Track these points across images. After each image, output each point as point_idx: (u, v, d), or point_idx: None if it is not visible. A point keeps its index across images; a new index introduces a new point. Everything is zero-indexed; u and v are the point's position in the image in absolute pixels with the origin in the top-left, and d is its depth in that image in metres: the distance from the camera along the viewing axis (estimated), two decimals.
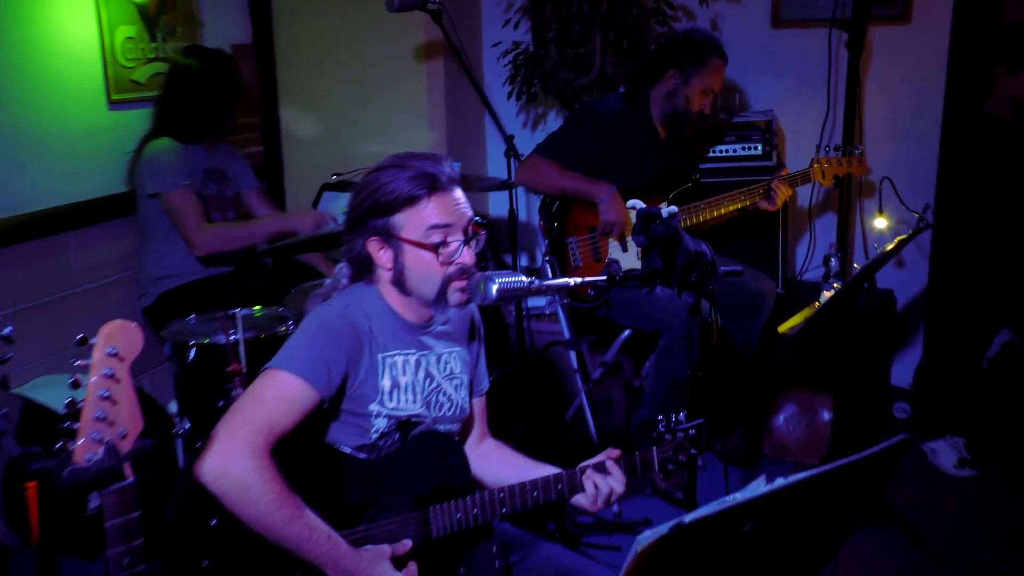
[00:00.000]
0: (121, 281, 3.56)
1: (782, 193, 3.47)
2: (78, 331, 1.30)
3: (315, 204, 4.08)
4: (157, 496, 2.80)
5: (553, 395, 3.67)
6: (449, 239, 1.83)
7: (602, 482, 1.89)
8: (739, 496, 1.32)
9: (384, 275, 1.89)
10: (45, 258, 3.26)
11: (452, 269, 1.84)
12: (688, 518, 1.24)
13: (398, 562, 1.74)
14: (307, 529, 1.65)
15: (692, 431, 1.99)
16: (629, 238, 3.43)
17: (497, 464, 2.05)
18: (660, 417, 2.00)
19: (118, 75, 3.45)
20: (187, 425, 2.82)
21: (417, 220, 1.82)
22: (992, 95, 3.55)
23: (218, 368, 2.71)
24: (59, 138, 3.28)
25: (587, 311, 3.46)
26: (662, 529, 1.22)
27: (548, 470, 1.94)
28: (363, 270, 1.91)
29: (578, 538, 3.10)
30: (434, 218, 1.82)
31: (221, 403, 2.68)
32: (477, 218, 1.93)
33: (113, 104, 3.46)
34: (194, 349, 2.77)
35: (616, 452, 1.94)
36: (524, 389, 3.44)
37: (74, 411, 1.25)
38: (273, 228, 3.36)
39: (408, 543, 1.76)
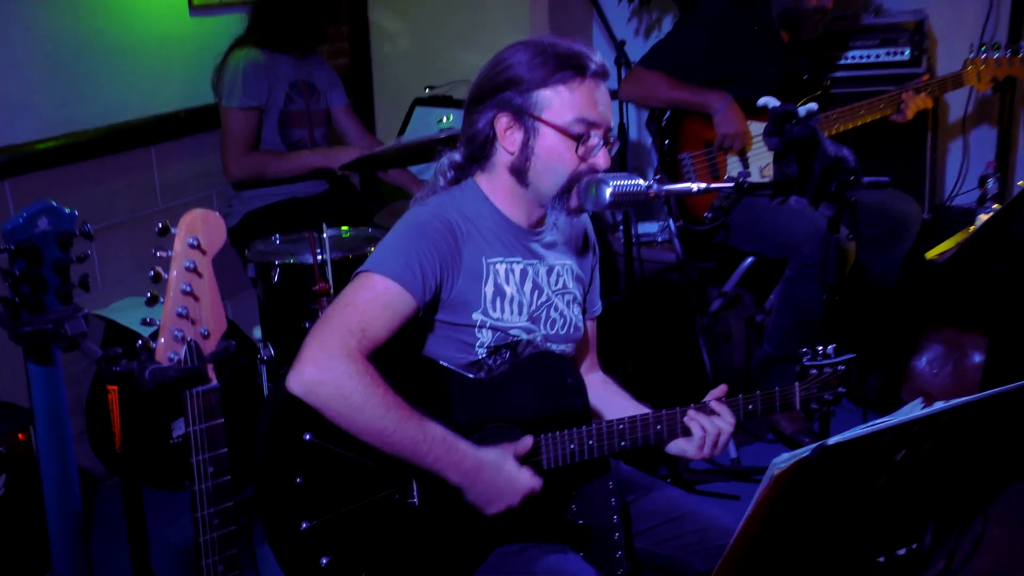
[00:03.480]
0: (204, 200, 3.64)
1: (916, 103, 3.31)
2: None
3: (406, 121, 4.07)
4: (243, 423, 2.87)
5: (665, 329, 3.61)
6: (592, 134, 1.78)
7: (708, 424, 1.82)
8: (892, 419, 1.25)
9: (503, 159, 1.83)
10: (126, 174, 3.34)
11: (583, 167, 1.79)
12: (833, 440, 1.19)
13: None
14: (420, 431, 1.63)
15: (841, 367, 1.90)
16: (750, 153, 3.33)
17: (599, 402, 2.01)
18: (804, 349, 1.93)
19: None
20: (271, 351, 2.87)
21: (564, 104, 1.76)
22: None
23: (304, 289, 2.75)
24: (139, 46, 3.33)
25: (703, 236, 3.38)
26: (803, 452, 1.17)
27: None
28: (478, 152, 1.85)
29: (692, 485, 3.06)
30: (584, 109, 1.76)
31: (307, 324, 2.71)
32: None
33: (195, 10, 3.50)
34: (279, 269, 2.81)
35: (723, 389, 1.89)
36: (633, 322, 3.38)
37: (155, 305, 1.25)
38: (313, 164, 3.38)
39: (529, 440, 1.73)
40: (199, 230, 1.30)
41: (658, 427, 1.82)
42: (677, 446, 1.86)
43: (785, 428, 3.32)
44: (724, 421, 1.83)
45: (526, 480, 1.70)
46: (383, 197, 3.90)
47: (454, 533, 1.74)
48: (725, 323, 3.58)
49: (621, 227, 3.55)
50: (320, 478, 1.66)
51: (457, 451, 1.66)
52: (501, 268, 1.84)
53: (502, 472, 1.68)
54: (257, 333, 3.08)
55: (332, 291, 2.61)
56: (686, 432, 1.83)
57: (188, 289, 1.29)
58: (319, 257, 2.67)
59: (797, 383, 1.91)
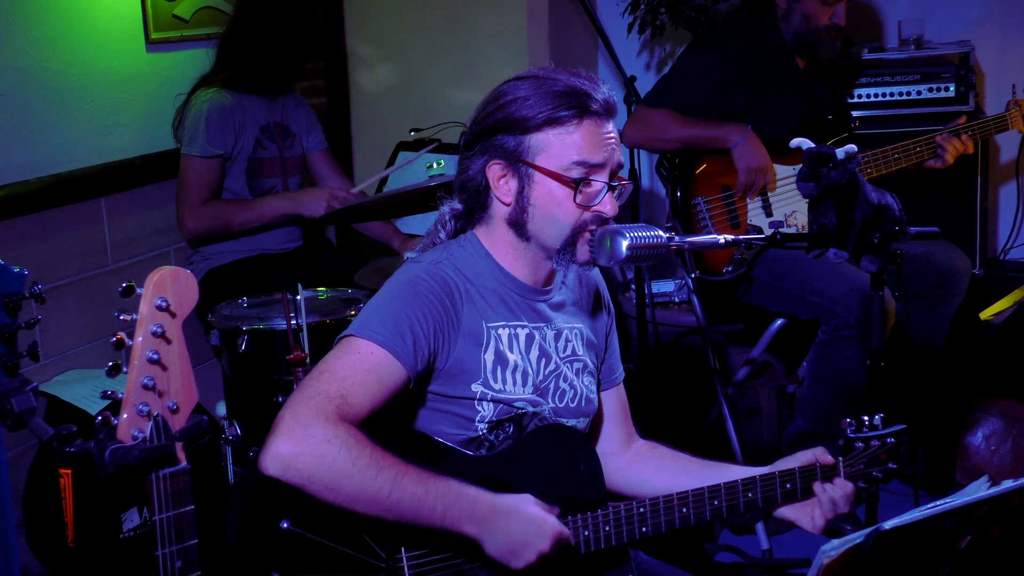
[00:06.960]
0: (162, 258, 3.64)
1: (955, 147, 3.36)
2: (111, 317, 1.31)
3: (389, 166, 4.10)
4: (205, 513, 2.85)
5: (684, 402, 3.61)
6: (593, 179, 1.81)
7: (831, 492, 1.90)
8: (955, 500, 1.26)
9: (499, 211, 1.86)
10: (72, 229, 3.35)
11: (588, 216, 1.82)
12: (889, 524, 1.19)
13: None
14: (421, 485, 1.63)
15: (891, 439, 1.91)
16: (773, 198, 3.37)
17: (655, 469, 2.03)
18: (848, 420, 1.94)
19: (158, 10, 3.53)
20: (238, 430, 2.86)
21: (560, 147, 1.80)
22: None
23: (276, 359, 2.75)
24: (89, 85, 3.36)
25: (725, 292, 3.40)
26: (855, 537, 1.18)
27: (732, 472, 1.92)
28: (473, 203, 1.89)
29: None
30: (581, 151, 1.80)
31: (280, 399, 2.71)
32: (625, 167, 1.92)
33: (152, 44, 3.53)
34: (247, 336, 2.81)
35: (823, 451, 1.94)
36: (648, 393, 3.38)
37: (117, 375, 1.25)
38: (279, 211, 3.43)
39: (556, 508, 1.75)
40: (168, 290, 1.30)
41: (683, 510, 1.81)
42: (787, 512, 1.94)
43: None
44: (838, 491, 1.89)
45: (554, 522, 1.70)
46: (363, 254, 3.92)
47: None
48: (753, 394, 3.59)
49: (633, 286, 3.57)
50: (298, 572, 1.65)
51: (467, 497, 1.67)
52: (504, 333, 1.85)
53: (523, 514, 1.69)
54: (221, 409, 3.07)
55: (309, 360, 2.61)
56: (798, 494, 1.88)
57: (155, 357, 1.29)
58: (293, 322, 2.68)
59: (841, 458, 1.92)
